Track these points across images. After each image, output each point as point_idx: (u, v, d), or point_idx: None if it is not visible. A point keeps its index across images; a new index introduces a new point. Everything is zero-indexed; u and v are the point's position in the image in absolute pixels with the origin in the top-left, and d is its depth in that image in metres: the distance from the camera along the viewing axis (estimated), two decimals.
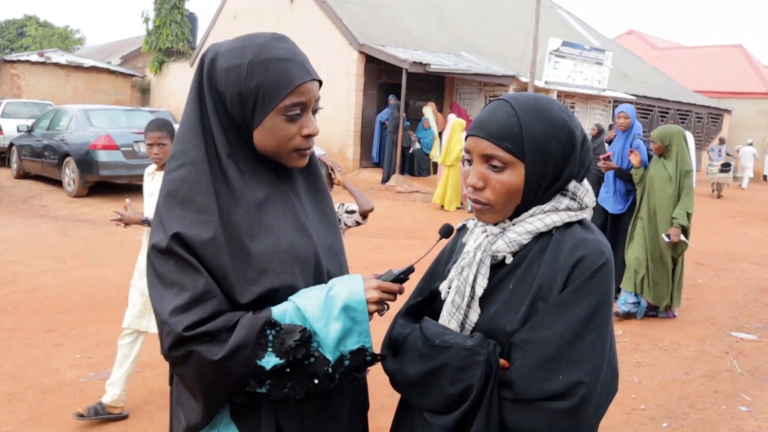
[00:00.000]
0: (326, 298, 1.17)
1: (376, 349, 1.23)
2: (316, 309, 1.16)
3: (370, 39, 14.70)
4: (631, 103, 19.12)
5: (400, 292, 1.27)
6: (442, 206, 11.22)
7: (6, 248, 7.01)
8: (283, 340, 1.12)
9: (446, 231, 1.36)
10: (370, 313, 1.21)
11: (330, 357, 1.16)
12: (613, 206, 5.79)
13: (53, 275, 5.95)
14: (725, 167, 16.62)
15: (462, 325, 1.23)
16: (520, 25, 18.26)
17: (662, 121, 20.85)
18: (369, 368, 1.24)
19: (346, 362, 1.18)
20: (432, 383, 1.17)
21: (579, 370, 1.09)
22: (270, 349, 1.12)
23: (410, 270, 1.29)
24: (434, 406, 1.19)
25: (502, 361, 1.15)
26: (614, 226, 5.84)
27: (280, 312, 1.15)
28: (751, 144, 21.15)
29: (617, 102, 18.67)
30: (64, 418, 3.20)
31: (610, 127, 17.64)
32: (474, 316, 1.22)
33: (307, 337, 1.14)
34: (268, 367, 1.12)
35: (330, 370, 1.17)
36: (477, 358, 1.13)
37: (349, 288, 1.19)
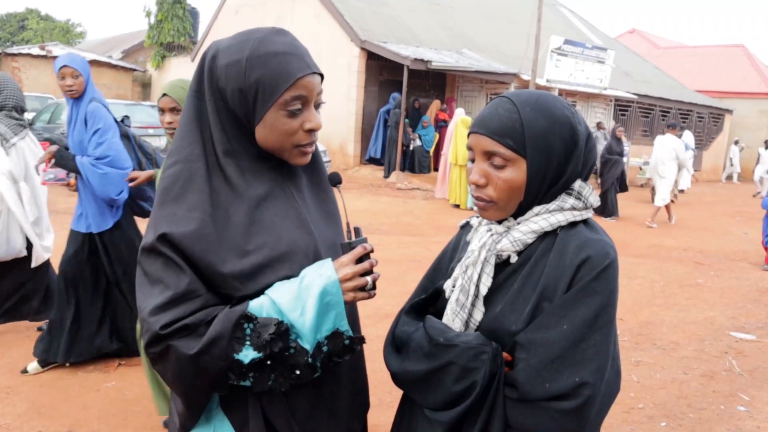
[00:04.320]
0: (299, 289, 1.16)
1: (380, 347, 1.23)
2: (290, 300, 1.15)
3: (371, 35, 14.68)
4: (632, 102, 19.18)
5: (368, 257, 1.21)
6: (458, 205, 10.99)
7: None
8: (259, 333, 1.12)
9: (335, 179, 1.32)
10: (352, 291, 1.18)
11: (308, 346, 1.16)
12: (96, 222, 3.57)
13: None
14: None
15: (466, 324, 1.23)
16: (522, 23, 18.22)
17: (663, 120, 20.84)
18: (350, 353, 1.21)
19: (324, 348, 1.17)
20: (436, 381, 1.17)
21: (584, 371, 1.09)
22: (248, 343, 1.12)
23: (357, 232, 1.24)
24: (437, 404, 1.19)
25: (504, 354, 1.16)
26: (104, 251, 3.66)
27: (257, 306, 1.15)
28: (737, 143, 21.42)
29: (618, 101, 18.66)
30: (62, 411, 3.20)
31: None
32: (478, 315, 1.22)
33: (283, 330, 1.13)
34: (246, 360, 1.12)
35: (310, 359, 1.16)
36: (482, 356, 1.13)
37: (320, 273, 1.18)
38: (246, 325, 1.12)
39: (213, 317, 1.13)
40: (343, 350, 1.19)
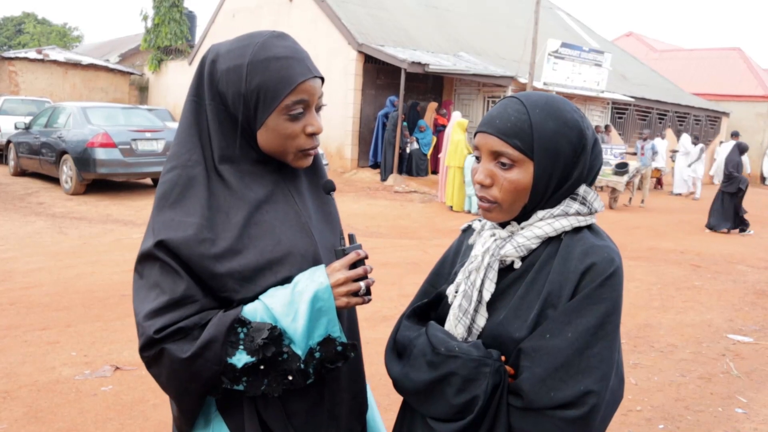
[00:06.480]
0: (292, 294, 1.17)
1: (377, 350, 1.22)
2: (283, 305, 1.15)
3: (368, 39, 14.70)
4: (629, 105, 19.20)
5: (363, 261, 1.23)
6: (451, 207, 11.01)
7: (2, 245, 6.98)
8: (253, 338, 1.13)
9: (328, 186, 1.34)
10: (345, 296, 1.19)
11: (300, 352, 1.16)
12: None
13: (50, 273, 5.93)
14: (621, 168, 13.27)
15: (469, 330, 1.22)
16: (519, 26, 18.27)
17: (660, 123, 20.89)
18: (343, 360, 1.22)
19: (317, 354, 1.18)
20: (437, 392, 1.16)
21: (589, 379, 1.08)
22: (241, 347, 1.13)
23: (351, 238, 1.26)
24: (438, 414, 1.17)
25: (507, 367, 1.14)
26: None
27: (251, 310, 1.15)
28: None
29: (615, 104, 18.70)
30: (59, 416, 3.19)
31: (606, 127, 17.74)
32: (481, 321, 1.21)
33: (276, 335, 1.14)
34: (240, 365, 1.12)
35: (302, 365, 1.16)
36: (484, 369, 1.12)
37: (313, 279, 1.18)
38: (240, 330, 1.13)
39: (207, 321, 1.13)
40: (335, 357, 1.20)
